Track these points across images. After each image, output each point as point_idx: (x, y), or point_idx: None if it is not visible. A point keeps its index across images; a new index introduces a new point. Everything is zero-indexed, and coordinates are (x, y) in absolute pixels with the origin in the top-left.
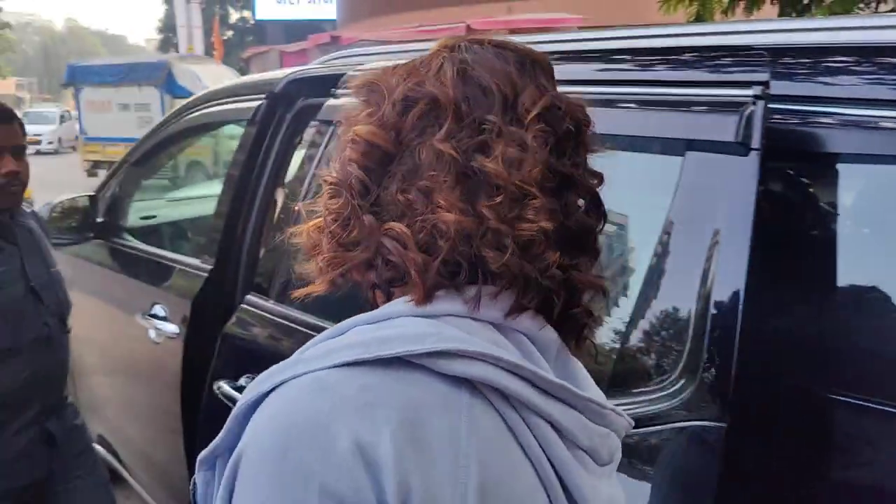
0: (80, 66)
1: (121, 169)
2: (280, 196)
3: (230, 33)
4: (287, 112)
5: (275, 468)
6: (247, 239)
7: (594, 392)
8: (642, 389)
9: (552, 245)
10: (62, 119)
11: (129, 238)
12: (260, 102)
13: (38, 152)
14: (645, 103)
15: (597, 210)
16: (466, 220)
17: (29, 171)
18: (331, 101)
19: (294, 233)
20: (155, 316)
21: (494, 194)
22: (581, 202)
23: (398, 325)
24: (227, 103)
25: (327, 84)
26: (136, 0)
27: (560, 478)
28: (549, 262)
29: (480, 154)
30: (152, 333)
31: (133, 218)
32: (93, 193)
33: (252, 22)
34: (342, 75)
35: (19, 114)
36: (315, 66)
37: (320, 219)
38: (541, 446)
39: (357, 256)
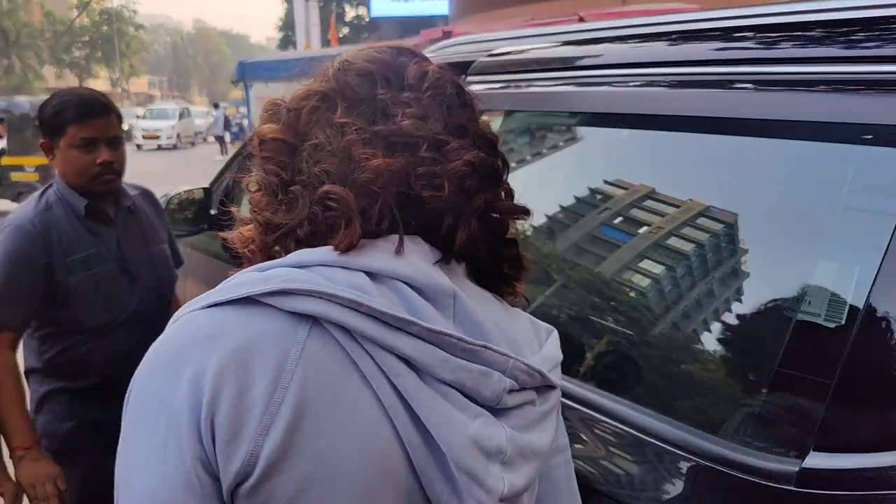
0: (251, 62)
1: (235, 161)
2: None
3: (346, 30)
4: None
5: (143, 387)
6: None
7: (504, 335)
8: None
9: (480, 179)
10: (181, 116)
11: None
12: None
13: (160, 147)
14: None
15: (494, 152)
16: (394, 161)
17: (125, 159)
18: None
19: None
20: None
21: (414, 147)
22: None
23: (270, 273)
24: None
25: None
26: (259, 0)
27: (411, 407)
28: (482, 197)
29: (383, 119)
30: None
31: (245, 210)
32: (207, 186)
33: (367, 19)
34: (470, 62)
35: (141, 111)
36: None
37: (249, 225)
38: (387, 377)
39: (287, 228)
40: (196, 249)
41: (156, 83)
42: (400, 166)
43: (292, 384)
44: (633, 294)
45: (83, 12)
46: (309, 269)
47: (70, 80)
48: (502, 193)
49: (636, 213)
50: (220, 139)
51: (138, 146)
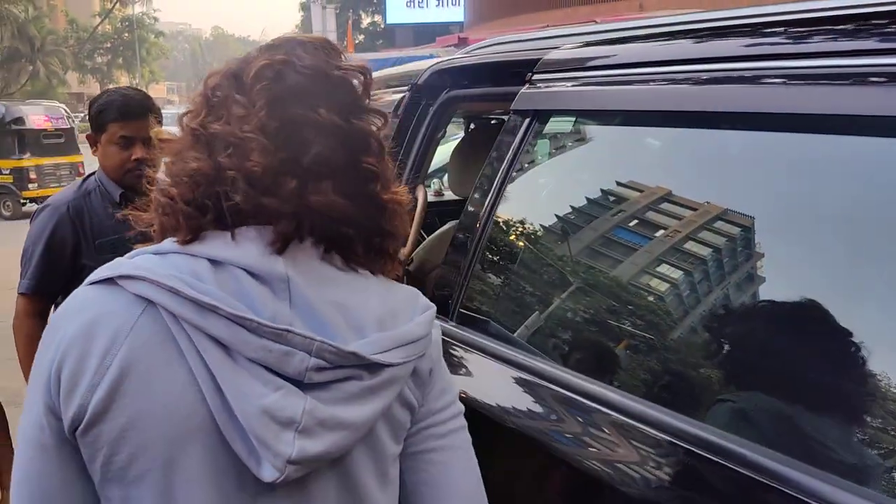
0: None
1: None
2: (421, 194)
3: (361, 37)
4: (430, 104)
5: (39, 348)
6: None
7: (341, 319)
8: None
9: (286, 176)
10: None
11: None
12: (402, 95)
13: None
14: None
15: (342, 142)
16: (203, 165)
17: (158, 158)
18: (527, 89)
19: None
20: None
21: (220, 149)
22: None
23: (134, 259)
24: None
25: (473, 74)
26: (276, 8)
27: (215, 378)
28: (287, 189)
29: (214, 121)
30: None
31: None
32: None
33: (382, 26)
34: (532, 60)
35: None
36: (460, 57)
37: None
38: (198, 351)
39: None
40: None
41: (174, 89)
42: (207, 168)
43: (120, 352)
44: (749, 302)
45: (105, 19)
46: (163, 257)
47: (92, 86)
48: (368, 175)
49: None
50: None
51: None
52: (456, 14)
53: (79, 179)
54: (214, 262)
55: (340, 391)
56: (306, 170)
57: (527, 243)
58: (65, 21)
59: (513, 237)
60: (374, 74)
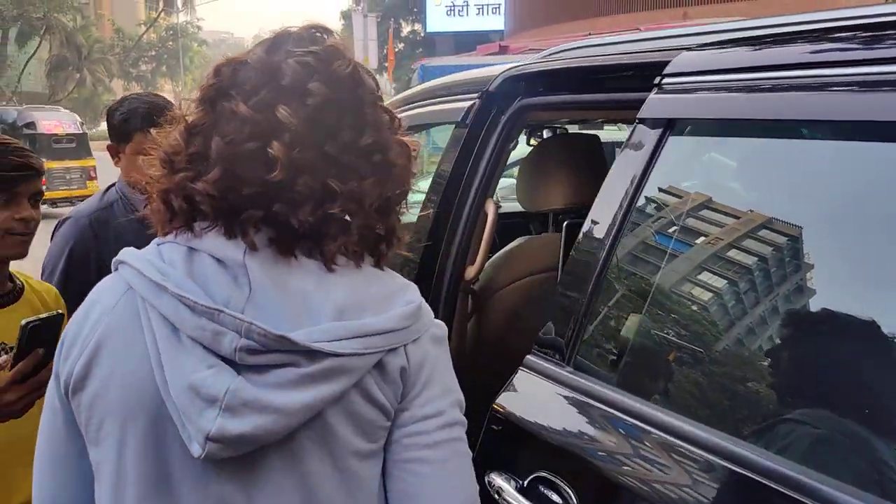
0: (432, 66)
1: None
2: (491, 209)
3: (401, 45)
4: (502, 113)
5: None
6: (450, 262)
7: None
8: None
9: (206, 180)
10: None
11: None
12: (471, 102)
13: None
14: None
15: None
16: (162, 178)
17: None
18: (656, 95)
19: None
20: None
21: (175, 162)
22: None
23: (131, 248)
24: (433, 104)
25: (551, 81)
26: (317, 17)
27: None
28: (199, 189)
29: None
30: None
31: None
32: None
33: (422, 34)
34: (658, 62)
35: None
36: (535, 62)
37: None
38: (152, 328)
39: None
40: None
41: None
42: (165, 181)
43: (100, 327)
44: None
45: (150, 28)
46: (158, 246)
47: None
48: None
49: None
50: None
51: None
52: (496, 22)
53: (99, 191)
54: (191, 250)
55: (276, 376)
56: (239, 194)
57: (672, 276)
58: (111, 29)
59: (649, 268)
60: (438, 81)
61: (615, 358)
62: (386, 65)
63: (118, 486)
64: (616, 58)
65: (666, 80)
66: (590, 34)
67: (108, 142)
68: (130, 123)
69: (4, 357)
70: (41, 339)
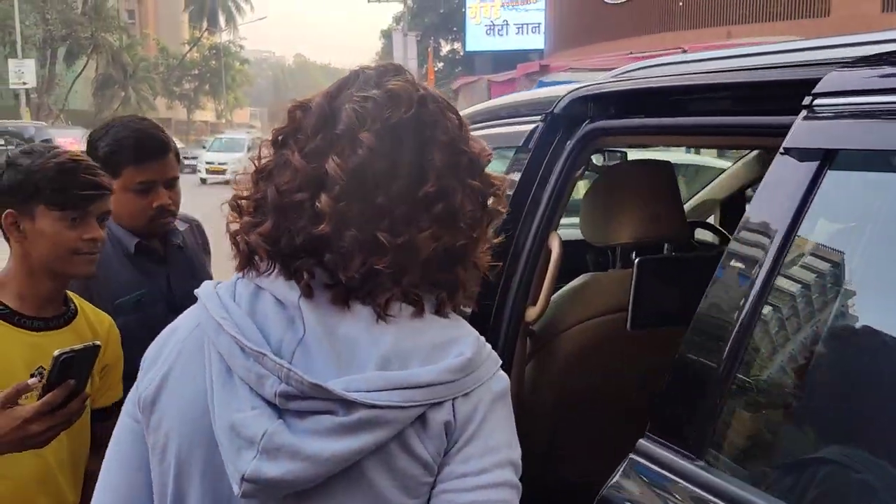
0: (550, 81)
1: None
2: (556, 244)
3: (440, 64)
4: (569, 138)
5: None
6: (509, 301)
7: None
8: None
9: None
10: (249, 148)
11: None
12: (535, 125)
13: (227, 182)
14: None
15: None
16: (233, 221)
17: (180, 198)
18: (808, 120)
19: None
20: None
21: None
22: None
23: (209, 282)
24: (492, 126)
25: (624, 103)
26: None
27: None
28: (252, 241)
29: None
30: None
31: None
32: None
33: (461, 53)
34: (808, 80)
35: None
36: (605, 82)
37: None
38: (212, 361)
39: None
40: None
41: (257, 114)
42: (235, 224)
43: (172, 355)
44: None
45: (194, 47)
46: (232, 281)
47: (179, 111)
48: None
49: None
50: None
51: (203, 180)
52: (536, 41)
53: None
54: (258, 288)
55: (315, 422)
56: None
57: (849, 344)
58: (156, 49)
59: (808, 334)
60: (500, 101)
61: (766, 454)
62: (425, 83)
63: None
64: (691, 78)
65: (819, 101)
66: (630, 53)
67: None
68: (118, 157)
69: (34, 379)
70: (74, 370)
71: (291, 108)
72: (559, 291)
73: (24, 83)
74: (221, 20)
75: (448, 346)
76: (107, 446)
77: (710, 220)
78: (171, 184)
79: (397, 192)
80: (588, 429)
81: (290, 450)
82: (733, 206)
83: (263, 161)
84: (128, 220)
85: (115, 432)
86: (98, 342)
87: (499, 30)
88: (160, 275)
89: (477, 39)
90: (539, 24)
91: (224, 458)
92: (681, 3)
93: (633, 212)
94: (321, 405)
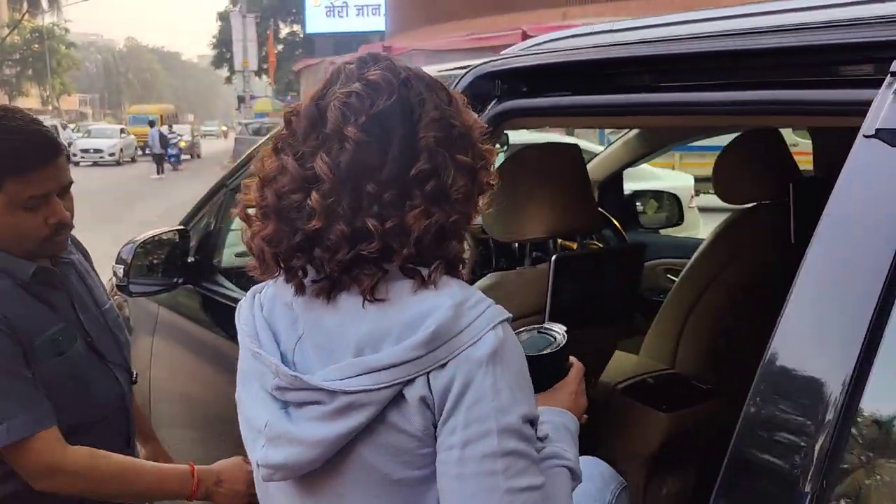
0: None
1: (217, 195)
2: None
3: (280, 47)
4: None
5: None
6: None
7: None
8: None
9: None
10: (122, 132)
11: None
12: None
13: (96, 164)
14: None
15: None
16: (246, 231)
17: (73, 207)
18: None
19: None
20: None
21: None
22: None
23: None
24: None
25: (542, 78)
26: (191, 18)
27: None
28: (256, 246)
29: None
30: None
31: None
32: (183, 227)
33: (301, 35)
34: (617, 59)
35: (75, 136)
36: (518, 55)
37: None
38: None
39: None
40: (169, 309)
41: (87, 101)
42: (247, 234)
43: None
44: None
45: (14, 30)
46: (265, 284)
47: (1, 99)
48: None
49: None
50: (157, 158)
51: (75, 163)
52: (377, 23)
53: None
54: (275, 292)
55: (310, 411)
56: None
57: None
58: None
59: None
60: None
61: None
62: (265, 67)
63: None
64: (627, 49)
65: None
66: (471, 34)
67: None
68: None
69: None
70: None
71: (286, 114)
72: None
73: None
74: (44, 1)
75: (420, 321)
76: None
77: None
78: (65, 191)
79: (387, 177)
80: None
81: (287, 436)
82: (612, 189)
83: (266, 170)
84: (14, 245)
85: None
86: None
87: (339, 11)
88: (64, 301)
89: (317, 21)
90: (379, 5)
91: (246, 449)
92: None
93: (545, 203)
94: (310, 395)
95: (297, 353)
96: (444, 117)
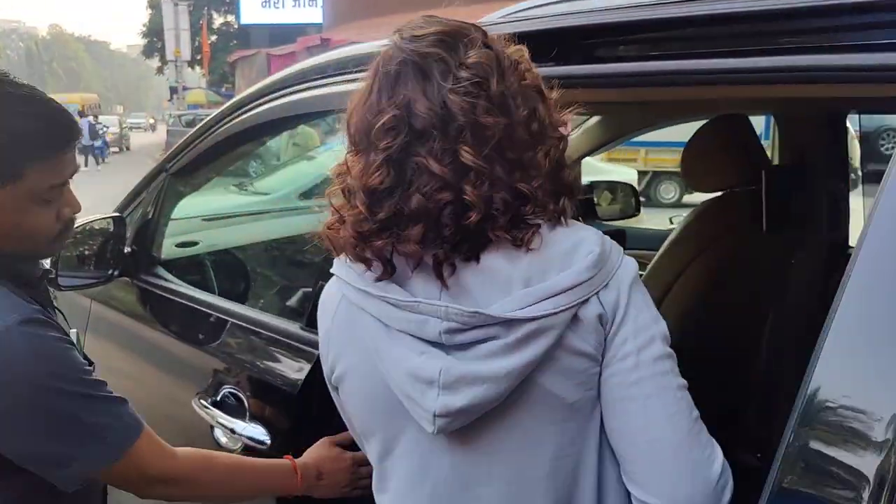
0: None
1: (156, 180)
2: None
3: (214, 38)
4: None
5: None
6: None
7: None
8: None
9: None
10: (80, 113)
11: (173, 277)
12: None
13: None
14: None
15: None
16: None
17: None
18: None
19: None
20: (223, 406)
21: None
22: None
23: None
24: (316, 87)
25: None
26: (119, 6)
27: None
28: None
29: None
30: (219, 434)
31: (171, 246)
32: (119, 214)
33: (236, 26)
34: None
35: None
36: (491, 24)
37: None
38: (365, 327)
39: None
40: (103, 304)
41: None
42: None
43: (332, 331)
44: None
45: None
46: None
47: None
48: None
49: None
50: (86, 149)
51: None
52: (314, 15)
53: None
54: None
55: (481, 350)
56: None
57: None
58: None
59: None
60: (316, 59)
61: None
62: (199, 57)
63: (382, 474)
64: (589, 16)
65: None
66: None
67: None
68: (19, 152)
69: None
70: None
71: (388, 128)
72: None
73: None
74: None
75: (576, 249)
76: None
77: None
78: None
79: (519, 141)
80: None
81: (469, 377)
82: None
83: (377, 178)
84: (17, 243)
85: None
86: None
87: (275, 2)
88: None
89: (252, 12)
90: None
91: (409, 407)
92: None
93: None
94: (483, 332)
95: (441, 300)
96: (518, 62)
